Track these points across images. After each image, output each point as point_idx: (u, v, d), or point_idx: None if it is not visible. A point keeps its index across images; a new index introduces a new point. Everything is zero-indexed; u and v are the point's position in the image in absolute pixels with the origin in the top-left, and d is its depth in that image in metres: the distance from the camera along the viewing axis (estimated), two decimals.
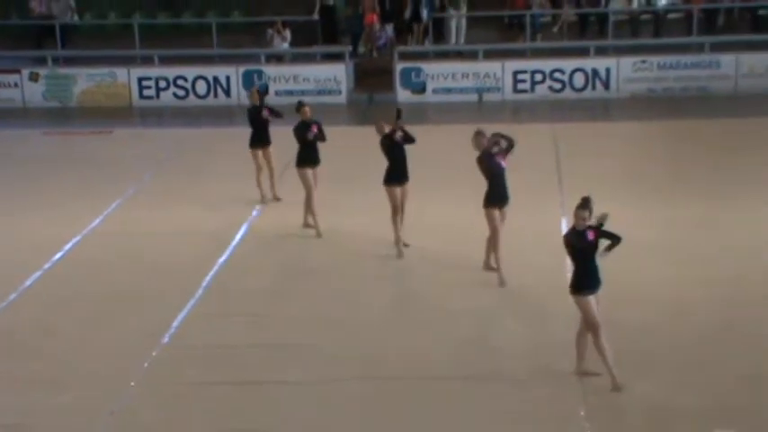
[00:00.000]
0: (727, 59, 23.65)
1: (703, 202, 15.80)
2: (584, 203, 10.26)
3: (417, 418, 10.01)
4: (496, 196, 13.01)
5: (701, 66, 23.79)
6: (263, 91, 23.99)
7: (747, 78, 23.47)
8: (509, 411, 10.04)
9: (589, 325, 10.30)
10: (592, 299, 10.27)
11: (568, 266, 13.43)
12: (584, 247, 10.26)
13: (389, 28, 25.12)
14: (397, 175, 13.91)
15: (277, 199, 16.57)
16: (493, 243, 13.18)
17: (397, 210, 14.02)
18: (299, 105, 15.17)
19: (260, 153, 16.39)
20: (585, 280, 10.31)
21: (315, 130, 14.89)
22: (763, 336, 11.49)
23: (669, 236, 14.46)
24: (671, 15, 25.58)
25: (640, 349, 11.11)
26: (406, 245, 14.16)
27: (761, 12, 24.96)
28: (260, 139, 16.38)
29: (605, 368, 10.28)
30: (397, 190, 13.96)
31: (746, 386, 10.38)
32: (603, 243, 10.30)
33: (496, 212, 13.03)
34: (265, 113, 16.22)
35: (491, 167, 12.93)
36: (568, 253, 10.46)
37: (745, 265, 13.49)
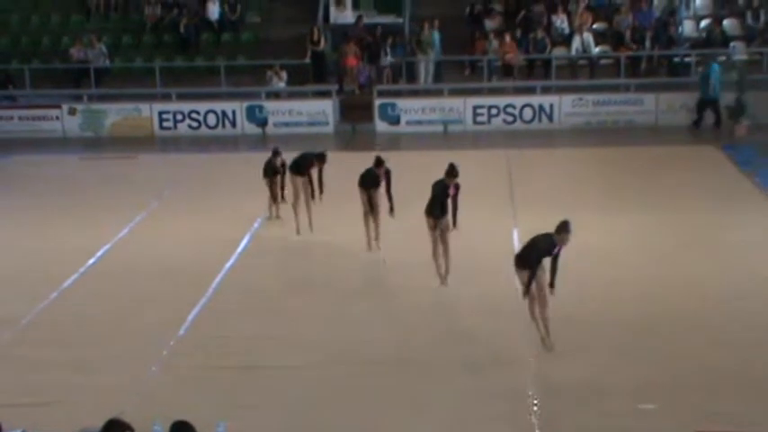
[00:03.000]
0: (648, 98, 23.72)
1: (632, 214, 15.83)
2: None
3: (387, 395, 9.99)
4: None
5: (628, 103, 23.86)
6: (263, 123, 24.07)
7: (666, 114, 23.54)
8: (465, 390, 9.99)
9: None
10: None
11: None
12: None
13: (370, 69, 25.07)
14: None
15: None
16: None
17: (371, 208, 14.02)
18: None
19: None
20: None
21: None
22: (680, 324, 11.51)
23: (606, 241, 14.45)
24: (603, 61, 25.64)
25: (577, 338, 11.08)
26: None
27: (675, 59, 25.12)
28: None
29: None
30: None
31: (665, 367, 10.37)
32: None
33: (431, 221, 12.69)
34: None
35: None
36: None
37: (666, 265, 13.50)
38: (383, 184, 13.88)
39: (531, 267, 10.53)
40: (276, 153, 15.70)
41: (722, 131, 22.29)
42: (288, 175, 15.49)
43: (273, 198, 16.02)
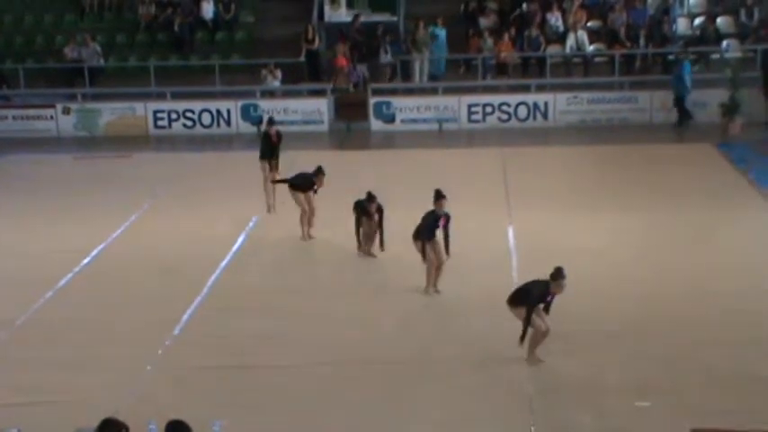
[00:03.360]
0: (643, 96, 23.71)
1: (627, 212, 15.83)
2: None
3: (383, 393, 9.97)
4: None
5: (622, 101, 23.84)
6: (258, 122, 24.04)
7: (660, 112, 23.54)
8: (462, 389, 9.97)
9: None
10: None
11: (514, 265, 13.52)
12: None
13: (363, 68, 25.05)
14: None
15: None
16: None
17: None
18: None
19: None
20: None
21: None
22: (676, 322, 11.51)
23: (600, 239, 14.46)
24: (598, 59, 25.61)
25: (572, 336, 11.07)
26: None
27: (670, 57, 25.13)
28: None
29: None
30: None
31: (661, 366, 10.37)
32: None
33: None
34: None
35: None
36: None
37: (661, 262, 13.51)
38: (375, 218, 13.75)
39: (526, 311, 10.27)
40: (271, 122, 15.60)
41: (702, 130, 22.30)
42: (288, 189, 15.30)
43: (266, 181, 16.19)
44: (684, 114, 22.86)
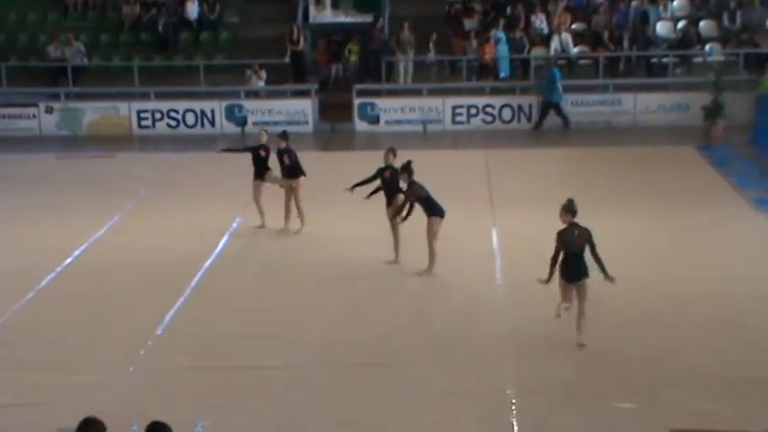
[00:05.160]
0: (627, 98, 23.85)
1: (610, 214, 15.87)
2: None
3: (366, 394, 9.99)
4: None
5: (605, 103, 23.98)
6: (243, 123, 24.03)
7: (643, 114, 23.69)
8: (445, 391, 9.99)
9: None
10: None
11: (497, 267, 13.57)
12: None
13: (337, 66, 25.35)
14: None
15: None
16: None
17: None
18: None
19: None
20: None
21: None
22: (658, 324, 11.56)
23: None
24: (582, 61, 25.75)
25: (555, 338, 11.12)
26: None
27: (653, 60, 25.29)
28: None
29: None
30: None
31: (644, 367, 10.43)
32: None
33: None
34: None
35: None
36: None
37: (643, 265, 13.56)
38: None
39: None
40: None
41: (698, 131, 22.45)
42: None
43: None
44: (549, 119, 23.37)
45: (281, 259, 14.48)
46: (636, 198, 16.95)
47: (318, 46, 25.20)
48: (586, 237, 10.72)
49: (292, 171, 15.26)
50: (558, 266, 10.74)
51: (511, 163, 20.02)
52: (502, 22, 25.34)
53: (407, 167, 13.14)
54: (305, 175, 15.24)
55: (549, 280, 10.84)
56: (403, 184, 13.27)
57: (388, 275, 13.42)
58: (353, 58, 25.25)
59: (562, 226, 10.84)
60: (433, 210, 13.08)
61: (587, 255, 10.79)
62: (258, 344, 11.25)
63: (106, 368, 10.63)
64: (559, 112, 23.46)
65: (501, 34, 24.80)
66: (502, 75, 24.90)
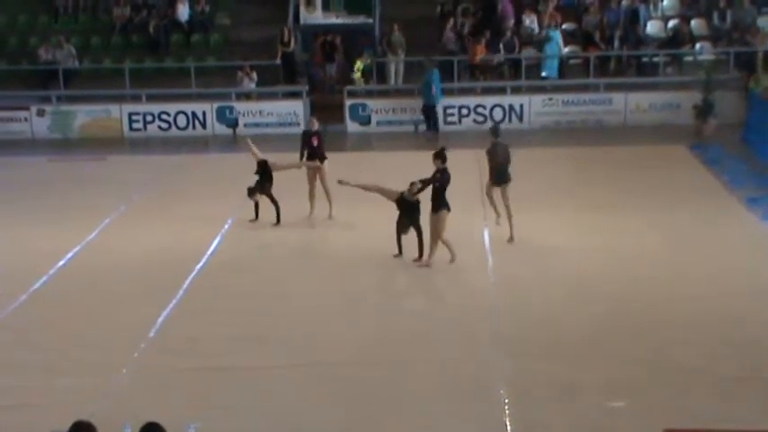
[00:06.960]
0: (618, 98, 23.87)
1: (601, 213, 15.94)
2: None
3: (358, 395, 9.98)
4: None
5: (596, 103, 24.00)
6: (234, 125, 24.00)
7: (634, 113, 23.72)
8: (436, 390, 9.99)
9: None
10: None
11: (490, 267, 13.58)
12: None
13: (331, 66, 25.26)
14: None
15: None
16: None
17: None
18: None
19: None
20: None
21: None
22: (650, 322, 11.58)
23: (574, 240, 14.54)
24: (572, 61, 25.79)
25: (547, 337, 11.14)
26: None
27: (644, 59, 25.33)
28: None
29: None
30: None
31: (635, 366, 10.44)
32: None
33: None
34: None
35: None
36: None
37: (636, 263, 13.59)
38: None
39: None
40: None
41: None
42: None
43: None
44: (432, 122, 23.23)
45: (273, 260, 14.47)
46: (627, 197, 16.97)
47: (314, 47, 25.20)
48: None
49: (319, 153, 15.56)
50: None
51: None
52: (558, 19, 25.30)
53: (441, 153, 13.56)
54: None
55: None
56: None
57: (382, 276, 13.41)
58: (358, 75, 24.88)
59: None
60: (445, 203, 13.38)
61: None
62: (251, 345, 11.24)
63: (99, 370, 10.61)
64: (430, 114, 23.17)
65: (553, 32, 24.77)
66: (544, 74, 24.75)
